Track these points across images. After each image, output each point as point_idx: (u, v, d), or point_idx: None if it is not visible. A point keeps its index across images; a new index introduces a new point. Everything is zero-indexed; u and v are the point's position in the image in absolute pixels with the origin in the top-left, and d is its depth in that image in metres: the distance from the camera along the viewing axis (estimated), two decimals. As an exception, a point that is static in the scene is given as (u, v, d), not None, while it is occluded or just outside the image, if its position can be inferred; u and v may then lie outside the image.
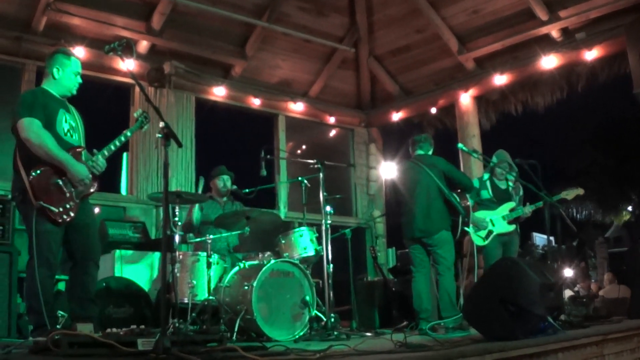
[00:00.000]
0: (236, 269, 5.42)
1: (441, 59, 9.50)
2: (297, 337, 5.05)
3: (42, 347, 3.03)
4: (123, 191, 8.18)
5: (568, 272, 13.05)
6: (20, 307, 5.41)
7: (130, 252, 6.24)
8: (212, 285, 5.28)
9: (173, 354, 2.83)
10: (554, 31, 8.21)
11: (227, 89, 8.82)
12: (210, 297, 5.21)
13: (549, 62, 8.24)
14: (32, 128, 4.06)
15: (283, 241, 5.85)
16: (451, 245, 5.85)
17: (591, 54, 7.96)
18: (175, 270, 4.94)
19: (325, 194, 5.77)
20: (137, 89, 8.06)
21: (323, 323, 5.27)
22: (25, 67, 7.33)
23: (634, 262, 7.00)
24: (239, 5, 8.67)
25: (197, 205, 6.29)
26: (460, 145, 7.02)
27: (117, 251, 6.09)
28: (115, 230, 6.41)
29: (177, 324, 4.55)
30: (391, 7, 9.59)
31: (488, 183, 6.84)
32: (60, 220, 4.08)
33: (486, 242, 6.65)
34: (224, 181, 6.51)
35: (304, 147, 10.71)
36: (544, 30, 8.25)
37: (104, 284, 5.30)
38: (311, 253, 5.79)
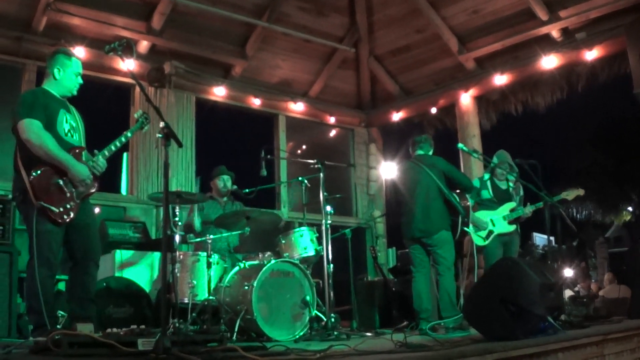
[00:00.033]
0: (236, 269, 5.42)
1: (441, 59, 9.51)
2: (297, 337, 5.05)
3: (42, 347, 3.03)
4: (123, 191, 8.19)
5: (568, 272, 13.06)
6: (20, 307, 5.41)
7: (130, 252, 6.24)
8: (213, 285, 5.28)
9: (173, 354, 2.83)
10: (554, 31, 8.21)
11: (227, 89, 8.82)
12: (211, 297, 5.21)
13: (549, 62, 8.24)
14: (32, 129, 4.06)
15: (283, 241, 5.85)
16: (451, 245, 5.85)
17: (591, 54, 7.96)
18: (176, 270, 4.95)
19: (325, 194, 5.77)
20: (137, 89, 8.07)
21: (323, 323, 5.27)
22: (26, 67, 7.33)
23: (634, 262, 6.99)
24: (239, 5, 8.67)
25: (196, 212, 6.28)
26: (460, 145, 7.02)
27: (117, 251, 6.09)
28: (116, 230, 6.42)
29: (177, 324, 4.56)
30: (391, 7, 9.59)
31: (489, 183, 6.85)
32: (60, 220, 4.08)
33: (487, 242, 6.65)
34: (224, 181, 6.51)
35: (304, 147, 10.71)
36: (544, 30, 8.25)
37: (104, 284, 5.30)
38: (311, 253, 5.79)
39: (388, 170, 10.26)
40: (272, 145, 9.46)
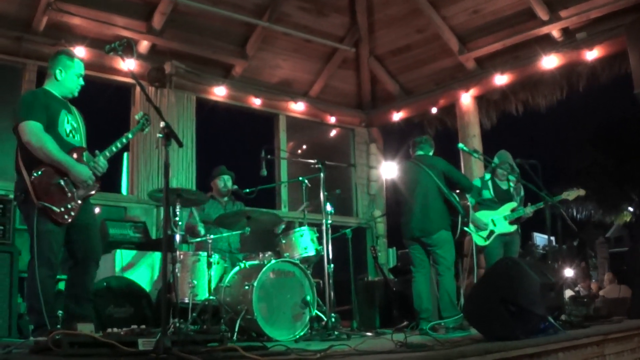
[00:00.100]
0: (237, 268, 5.42)
1: (442, 59, 9.50)
2: (297, 337, 5.05)
3: (42, 347, 3.03)
4: (124, 191, 8.18)
5: (569, 272, 13.06)
6: (20, 307, 5.41)
7: (130, 252, 6.24)
8: (213, 285, 5.29)
9: (174, 353, 2.83)
10: (554, 31, 8.21)
11: (227, 88, 8.82)
12: (211, 297, 5.21)
13: (550, 62, 8.23)
14: (33, 131, 4.07)
15: (284, 241, 5.85)
16: (451, 245, 5.85)
17: (592, 54, 7.96)
18: (176, 270, 4.95)
19: (325, 193, 5.77)
20: (137, 88, 8.07)
21: (324, 323, 5.27)
22: (26, 67, 7.32)
23: (634, 262, 6.99)
24: (239, 5, 8.67)
25: (197, 216, 6.28)
26: (460, 145, 7.03)
27: (118, 251, 6.09)
28: (116, 230, 6.41)
29: (177, 324, 4.56)
30: (392, 6, 9.58)
31: (490, 183, 6.85)
32: (61, 221, 4.09)
33: (488, 242, 6.66)
34: (225, 181, 6.52)
35: (304, 147, 10.71)
36: (544, 30, 8.24)
37: (105, 284, 5.30)
38: (312, 253, 5.79)
39: (388, 170, 10.26)
40: (273, 145, 9.46)
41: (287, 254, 5.71)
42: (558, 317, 4.59)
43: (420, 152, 6.21)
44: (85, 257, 4.31)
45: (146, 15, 8.06)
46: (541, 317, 4.03)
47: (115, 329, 3.35)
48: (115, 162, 4.52)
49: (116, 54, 3.82)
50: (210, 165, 6.84)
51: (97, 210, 6.27)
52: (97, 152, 4.38)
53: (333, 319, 5.31)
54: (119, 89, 8.22)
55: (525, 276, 4.04)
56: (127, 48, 3.88)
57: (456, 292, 6.07)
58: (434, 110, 9.76)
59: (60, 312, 4.40)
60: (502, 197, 6.80)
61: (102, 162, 4.35)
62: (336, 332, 5.11)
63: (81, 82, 4.48)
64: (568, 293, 8.00)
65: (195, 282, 5.29)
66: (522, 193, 6.95)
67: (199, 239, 5.88)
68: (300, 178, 6.32)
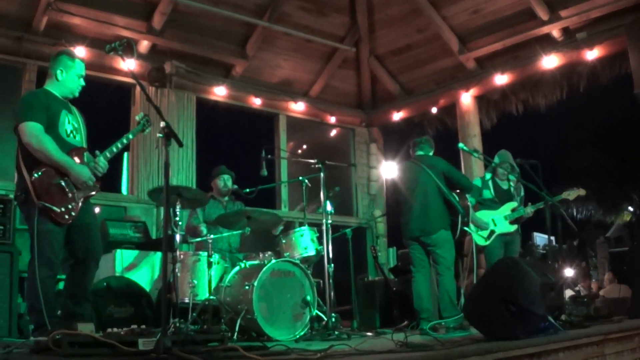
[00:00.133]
0: (237, 268, 5.42)
1: (442, 59, 9.51)
2: (298, 336, 5.04)
3: (43, 346, 3.03)
4: (124, 191, 8.19)
5: (569, 272, 13.07)
6: (21, 307, 5.41)
7: (131, 251, 6.23)
8: (213, 285, 5.29)
9: (174, 353, 2.84)
10: (554, 31, 8.21)
11: (227, 88, 8.82)
12: (211, 297, 5.21)
13: (550, 61, 8.24)
14: (32, 132, 4.07)
15: (284, 241, 5.85)
16: (451, 244, 5.85)
17: (592, 54, 7.96)
18: (176, 269, 4.95)
19: (326, 191, 5.78)
20: (138, 88, 8.07)
21: (324, 323, 5.27)
22: (26, 66, 7.33)
23: (634, 262, 6.99)
24: (239, 5, 8.67)
25: (200, 217, 6.27)
26: (461, 145, 7.03)
27: (118, 251, 6.09)
28: (116, 229, 6.41)
29: (178, 324, 4.56)
30: (392, 6, 9.59)
31: (490, 183, 6.85)
32: (62, 221, 4.09)
33: (488, 242, 6.66)
34: (225, 181, 6.52)
35: (304, 146, 10.72)
36: (544, 30, 8.25)
37: (105, 284, 5.29)
38: (312, 253, 5.79)
39: (389, 169, 10.27)
40: (273, 145, 9.46)
41: (288, 253, 5.71)
42: (558, 317, 4.59)
43: (420, 152, 6.22)
44: (85, 257, 4.31)
45: (146, 15, 8.07)
46: (541, 317, 4.03)
47: (115, 329, 3.35)
48: (115, 162, 4.52)
49: (116, 53, 3.82)
50: (211, 165, 6.85)
51: (97, 210, 6.27)
52: (97, 152, 4.38)
53: (333, 319, 5.30)
54: (119, 88, 8.22)
55: (525, 276, 4.03)
56: (127, 48, 3.88)
57: (456, 292, 6.07)
58: (434, 110, 9.77)
59: (58, 311, 4.41)
60: (502, 197, 6.80)
61: (102, 162, 4.35)
62: (336, 332, 5.11)
63: (82, 82, 4.48)
64: (568, 293, 8.00)
65: (196, 282, 5.28)
66: (522, 193, 6.95)
67: (199, 239, 5.88)
68: (301, 178, 6.32)
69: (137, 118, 4.72)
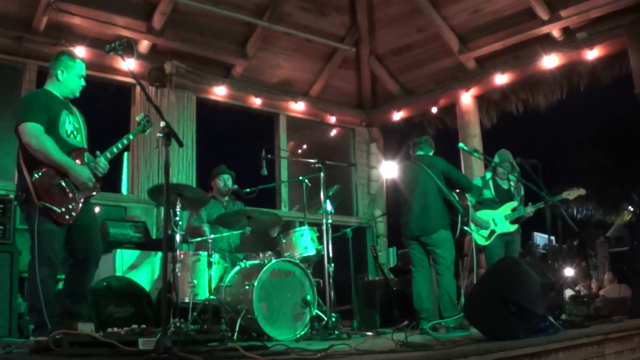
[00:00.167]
0: (237, 268, 5.42)
1: (442, 59, 9.51)
2: (298, 336, 5.05)
3: (43, 346, 3.03)
4: (124, 191, 8.19)
5: (569, 272, 13.07)
6: (21, 307, 5.41)
7: (131, 251, 6.23)
8: (213, 285, 5.28)
9: (174, 353, 2.83)
10: (554, 31, 8.21)
11: (228, 88, 8.82)
12: (211, 297, 5.21)
13: (550, 61, 8.24)
14: (33, 133, 4.07)
15: (284, 241, 5.84)
16: (450, 244, 5.85)
17: (592, 54, 7.96)
18: (176, 269, 4.94)
19: (326, 190, 5.79)
20: (138, 88, 8.07)
21: (324, 322, 5.27)
22: (26, 66, 7.33)
23: (634, 262, 6.99)
24: (240, 5, 8.67)
25: (204, 218, 6.26)
26: (461, 144, 7.04)
27: (118, 251, 6.09)
28: (116, 229, 6.41)
29: (178, 324, 4.56)
30: (392, 6, 9.59)
31: (491, 182, 6.85)
32: (62, 221, 4.09)
33: (489, 241, 6.66)
34: (225, 180, 6.51)
35: (304, 146, 10.71)
36: (544, 29, 8.25)
37: (105, 284, 5.29)
38: (312, 252, 5.78)
39: (389, 169, 10.27)
40: (273, 145, 9.46)
41: (288, 253, 5.71)
42: (558, 316, 4.59)
43: (420, 152, 6.22)
44: (85, 258, 4.32)
45: (146, 15, 8.07)
46: (541, 317, 4.03)
47: (115, 329, 3.35)
48: (115, 162, 4.52)
49: (116, 53, 3.82)
50: (211, 164, 6.84)
51: (97, 209, 6.27)
52: (98, 152, 4.38)
53: (333, 319, 5.30)
54: (119, 88, 8.22)
55: (525, 276, 4.03)
56: (128, 48, 3.88)
57: (457, 292, 6.07)
58: (435, 109, 9.77)
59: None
60: (503, 197, 6.80)
61: (102, 163, 4.35)
62: (336, 332, 5.11)
63: (82, 82, 4.48)
64: (568, 292, 8.00)
65: (196, 281, 5.28)
66: (522, 192, 6.95)
67: (199, 239, 5.87)
68: (301, 178, 6.32)
69: (137, 119, 4.72)
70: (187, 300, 5.17)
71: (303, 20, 9.35)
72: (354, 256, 7.29)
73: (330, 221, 5.69)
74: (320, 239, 5.78)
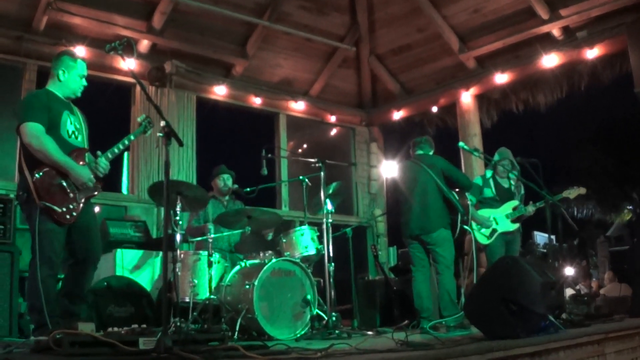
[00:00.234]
0: (237, 268, 5.42)
1: (442, 58, 9.51)
2: (298, 336, 5.05)
3: (43, 346, 3.03)
4: (124, 190, 8.19)
5: (569, 271, 13.05)
6: (21, 307, 5.41)
7: (131, 251, 6.23)
8: (214, 284, 5.28)
9: (175, 353, 2.83)
10: (555, 30, 8.21)
11: (228, 88, 8.82)
12: (212, 296, 5.21)
13: (550, 60, 8.24)
14: (33, 133, 4.08)
15: (284, 240, 5.84)
16: (450, 243, 5.86)
17: (592, 53, 7.96)
18: (177, 269, 4.94)
19: (326, 187, 5.79)
20: (138, 88, 8.08)
21: (324, 322, 5.27)
22: (26, 66, 7.33)
23: (635, 261, 6.98)
24: (240, 4, 8.67)
25: (210, 219, 6.25)
26: (461, 144, 7.04)
27: (118, 250, 6.09)
28: (117, 229, 6.41)
29: (178, 323, 4.56)
30: (392, 5, 9.59)
31: (491, 181, 6.84)
32: (63, 220, 4.10)
33: (490, 240, 6.65)
34: (224, 180, 6.51)
35: (305, 146, 10.72)
36: (545, 28, 8.25)
37: (105, 283, 5.29)
38: (312, 252, 5.78)
39: (389, 168, 10.27)
40: (273, 144, 9.45)
41: (288, 253, 5.71)
42: (559, 315, 4.59)
43: (420, 152, 6.23)
44: (85, 258, 4.33)
45: (146, 15, 8.07)
46: (542, 316, 4.03)
47: (116, 329, 3.35)
48: (115, 162, 4.52)
49: (116, 53, 3.83)
50: (211, 164, 6.84)
51: (97, 209, 6.27)
52: (99, 153, 4.38)
53: (334, 318, 5.30)
54: (119, 88, 8.22)
55: (526, 275, 4.03)
56: (128, 47, 3.88)
57: (457, 291, 6.07)
58: (435, 109, 9.78)
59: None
60: (503, 196, 6.80)
61: (103, 163, 4.35)
62: (337, 331, 5.10)
63: (84, 82, 4.49)
64: (569, 292, 7.99)
65: (196, 281, 5.28)
66: (523, 191, 6.95)
67: (199, 238, 5.87)
68: (301, 177, 6.32)
69: (139, 120, 4.73)
70: (187, 300, 5.17)
71: (303, 19, 9.35)
72: (354, 255, 7.29)
73: (330, 220, 5.69)
74: (320, 239, 5.78)
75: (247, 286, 5.01)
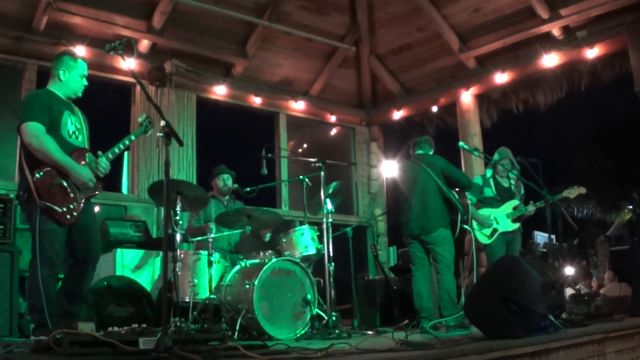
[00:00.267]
0: (237, 267, 5.42)
1: (442, 58, 9.51)
2: (298, 335, 5.05)
3: (43, 346, 3.03)
4: (124, 190, 8.18)
5: (569, 271, 13.06)
6: (21, 307, 5.41)
7: (131, 251, 6.23)
8: (214, 284, 5.29)
9: (175, 352, 2.83)
10: (555, 29, 8.21)
11: (228, 87, 8.82)
12: (212, 296, 5.21)
13: (550, 60, 8.24)
14: (34, 132, 4.08)
15: (284, 240, 5.84)
16: (450, 243, 5.86)
17: (592, 52, 7.96)
18: (177, 269, 4.95)
19: (326, 187, 5.79)
20: (138, 87, 8.08)
21: (324, 322, 5.27)
22: (26, 66, 7.33)
23: (635, 261, 6.98)
24: (240, 4, 8.67)
25: (214, 220, 6.25)
26: (461, 143, 7.04)
27: (118, 250, 6.09)
28: (117, 229, 6.41)
29: (178, 323, 4.57)
30: (392, 5, 9.58)
31: (491, 181, 6.84)
32: (63, 220, 4.10)
33: (491, 240, 6.65)
34: (224, 180, 6.51)
35: (305, 145, 10.72)
36: (545, 28, 8.24)
37: (105, 283, 5.29)
38: (312, 251, 5.78)
39: (389, 168, 10.27)
40: (273, 144, 9.45)
41: (288, 252, 5.71)
42: (559, 315, 4.59)
43: (420, 152, 6.23)
44: (85, 258, 4.33)
45: (146, 15, 8.06)
46: (542, 316, 4.03)
47: (116, 328, 3.35)
48: (116, 161, 4.52)
49: (116, 53, 3.82)
50: (211, 164, 6.84)
51: (97, 209, 6.27)
52: (99, 153, 4.38)
53: (334, 318, 5.30)
54: (120, 88, 8.22)
55: (526, 274, 4.03)
56: (128, 47, 3.88)
57: (457, 291, 6.07)
58: (435, 108, 9.78)
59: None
60: (503, 195, 6.80)
61: (104, 162, 4.35)
62: (337, 331, 5.10)
63: (84, 82, 4.49)
64: (569, 291, 8.00)
65: (196, 281, 5.28)
66: (522, 191, 6.95)
67: (199, 238, 5.88)
68: (301, 177, 6.32)
69: (139, 120, 4.74)
70: (187, 300, 5.18)
71: (303, 19, 9.35)
72: (354, 255, 7.29)
73: (330, 220, 5.69)
74: (320, 238, 5.78)
75: (247, 286, 5.01)
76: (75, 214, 4.17)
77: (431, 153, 6.24)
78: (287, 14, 9.15)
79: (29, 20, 7.30)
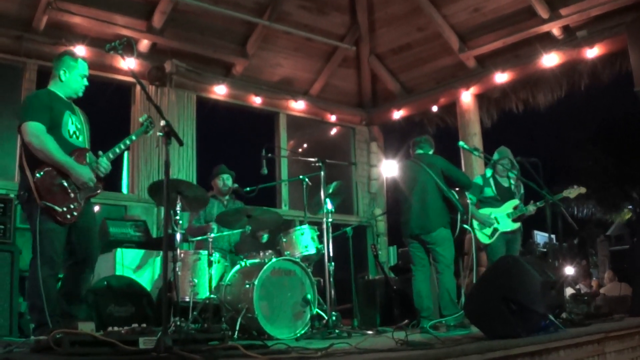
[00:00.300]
0: (237, 267, 5.42)
1: (442, 57, 9.50)
2: (298, 335, 5.05)
3: (43, 345, 3.03)
4: (124, 190, 8.18)
5: (569, 270, 13.07)
6: (21, 306, 5.41)
7: (131, 250, 6.23)
8: (214, 284, 5.29)
9: (175, 352, 2.83)
10: (555, 29, 8.21)
11: (228, 87, 8.82)
12: (212, 296, 5.22)
13: (550, 60, 8.23)
14: (34, 132, 4.09)
15: (284, 239, 5.84)
16: (450, 242, 5.86)
17: (592, 52, 7.96)
18: (177, 268, 4.95)
19: (327, 187, 5.79)
20: (138, 87, 8.07)
21: (324, 321, 5.27)
22: (27, 66, 7.33)
23: (635, 260, 6.98)
24: (240, 3, 8.67)
25: (215, 213, 6.25)
26: (461, 143, 7.04)
27: (118, 250, 6.09)
28: (117, 228, 6.41)
29: (178, 323, 4.57)
30: (392, 5, 9.59)
31: (491, 181, 6.84)
32: (64, 220, 4.10)
33: (491, 240, 6.65)
34: (224, 180, 6.52)
35: (305, 145, 10.71)
36: (545, 28, 8.24)
37: (105, 283, 5.29)
38: (312, 251, 5.78)
39: (389, 168, 10.26)
40: (273, 144, 9.45)
41: (288, 252, 5.71)
42: (559, 315, 4.58)
43: (420, 151, 6.23)
44: (85, 258, 4.33)
45: (146, 14, 8.06)
46: (542, 315, 4.02)
47: (116, 328, 3.35)
48: (116, 161, 4.53)
49: (116, 52, 3.83)
50: (211, 164, 6.84)
51: (96, 208, 6.27)
52: (100, 152, 4.39)
53: (334, 318, 5.30)
54: (120, 87, 8.22)
55: (526, 274, 4.03)
56: (128, 47, 3.88)
57: (457, 290, 6.07)
58: (435, 108, 9.78)
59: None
60: (504, 195, 6.80)
61: (104, 163, 4.35)
62: (337, 331, 5.10)
63: (85, 82, 4.50)
64: (569, 291, 8.00)
65: (196, 280, 5.29)
66: (522, 190, 6.95)
67: (199, 238, 5.88)
68: (301, 176, 6.32)
69: (140, 119, 4.74)
70: (187, 299, 5.18)
71: (303, 19, 9.35)
72: (354, 255, 7.29)
73: (330, 220, 5.69)
74: (320, 238, 5.78)
75: (247, 285, 5.02)
76: (75, 213, 4.17)
77: (431, 153, 6.24)
78: (287, 13, 9.15)
79: (29, 20, 7.30)
